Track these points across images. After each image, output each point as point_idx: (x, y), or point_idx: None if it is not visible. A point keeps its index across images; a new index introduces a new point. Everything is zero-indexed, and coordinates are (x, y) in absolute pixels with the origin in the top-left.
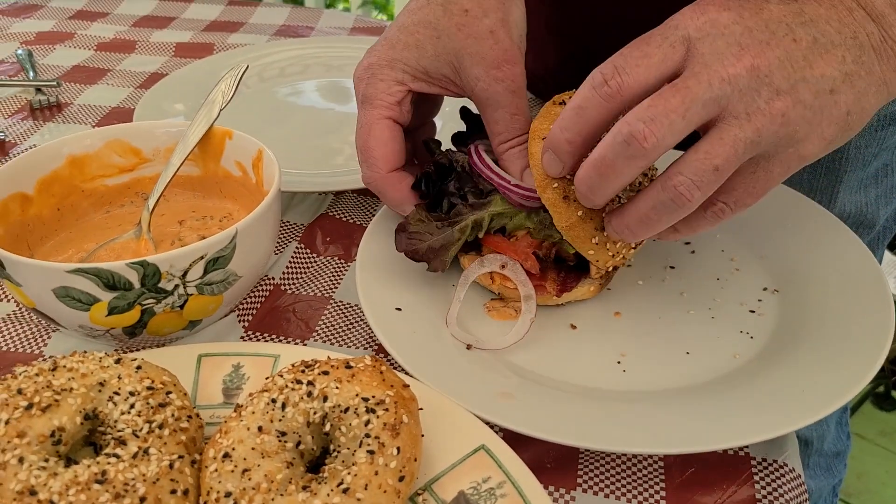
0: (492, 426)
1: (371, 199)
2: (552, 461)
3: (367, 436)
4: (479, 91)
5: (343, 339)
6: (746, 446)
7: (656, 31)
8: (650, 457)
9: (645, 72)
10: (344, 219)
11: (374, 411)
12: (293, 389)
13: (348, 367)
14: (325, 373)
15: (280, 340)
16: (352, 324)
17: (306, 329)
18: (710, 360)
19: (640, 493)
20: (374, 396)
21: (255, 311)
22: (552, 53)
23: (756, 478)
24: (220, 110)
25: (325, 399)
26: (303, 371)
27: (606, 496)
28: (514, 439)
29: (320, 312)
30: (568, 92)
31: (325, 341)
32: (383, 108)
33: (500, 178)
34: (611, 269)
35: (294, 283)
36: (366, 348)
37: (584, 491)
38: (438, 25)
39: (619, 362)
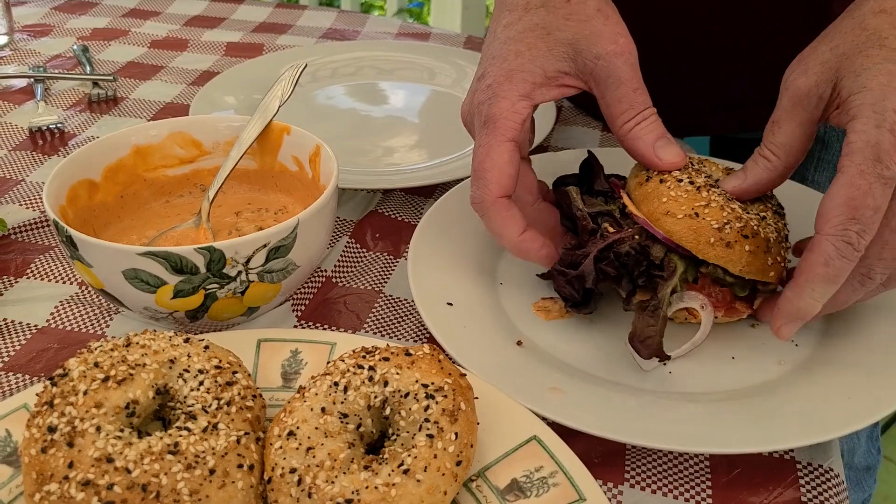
0: (542, 419)
1: (418, 198)
2: (600, 456)
3: (427, 420)
4: (599, 70)
5: (393, 332)
6: (792, 450)
7: (869, 170)
8: (696, 456)
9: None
10: (393, 216)
11: (433, 397)
12: (355, 374)
13: (408, 354)
14: (386, 359)
15: (333, 330)
16: (402, 317)
17: (358, 320)
18: (755, 365)
19: (687, 491)
20: (433, 383)
21: (308, 301)
22: None
23: (802, 481)
24: (280, 106)
25: (386, 384)
26: (364, 357)
27: (653, 492)
28: (562, 433)
29: (371, 305)
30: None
31: (376, 332)
32: (507, 129)
33: (670, 240)
34: (783, 278)
35: (345, 276)
36: (416, 341)
37: (632, 486)
38: (546, 24)
39: (665, 364)
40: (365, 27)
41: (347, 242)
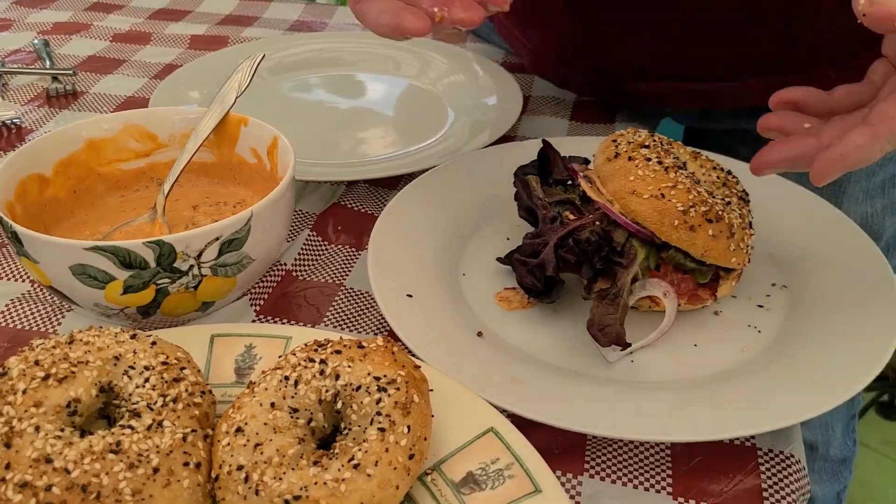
0: (501, 411)
1: (382, 190)
2: (560, 447)
3: (379, 414)
4: None
5: (354, 325)
6: (753, 437)
7: None
8: (657, 445)
9: None
10: (356, 208)
11: (385, 390)
12: (306, 367)
13: (360, 347)
14: (338, 352)
15: (292, 324)
16: (362, 310)
17: (317, 314)
18: (718, 352)
19: (647, 480)
20: (385, 376)
21: (266, 296)
22: (572, 32)
23: (762, 468)
24: (237, 97)
25: (338, 377)
26: (315, 350)
27: (613, 482)
28: (523, 425)
29: (331, 298)
30: (628, 131)
31: (335, 326)
32: None
33: (631, 224)
34: (746, 265)
35: (305, 270)
36: (376, 333)
37: (592, 476)
38: None
39: (629, 353)
40: (333, 18)
41: (309, 235)
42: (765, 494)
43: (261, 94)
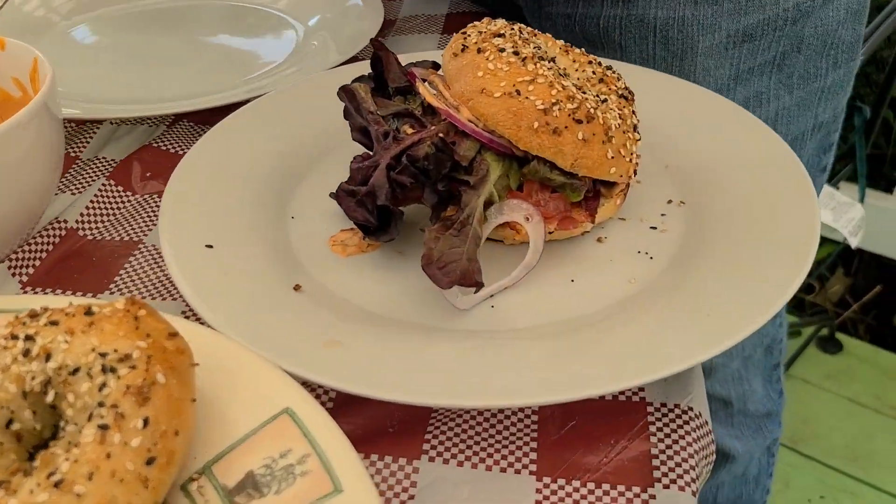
0: (318, 388)
1: (209, 128)
2: (397, 423)
3: (101, 405)
4: None
5: (150, 291)
6: (641, 389)
7: None
8: (521, 411)
9: None
10: (172, 150)
11: (113, 370)
12: (5, 348)
13: (88, 313)
14: (54, 323)
15: (68, 294)
16: (164, 272)
17: (103, 279)
18: (599, 288)
19: (505, 458)
20: (116, 350)
21: (37, 262)
22: None
23: (653, 428)
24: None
25: (49, 358)
26: (24, 323)
27: (460, 464)
28: (347, 401)
29: (125, 259)
30: (484, 21)
31: (124, 293)
32: None
33: (481, 133)
34: (632, 177)
35: (96, 227)
36: (174, 300)
37: (432, 459)
38: None
39: (481, 295)
40: None
41: (104, 185)
42: (655, 462)
43: (64, 38)
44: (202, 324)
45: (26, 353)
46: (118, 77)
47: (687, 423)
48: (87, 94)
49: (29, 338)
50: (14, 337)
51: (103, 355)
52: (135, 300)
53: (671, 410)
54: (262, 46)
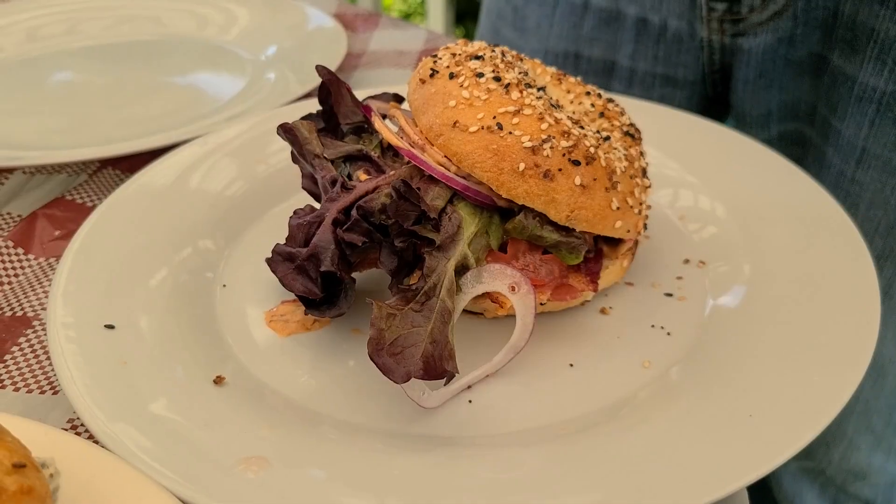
0: None
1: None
2: None
3: None
4: None
5: (41, 383)
6: None
7: None
8: None
9: None
10: (90, 203)
11: None
12: None
13: None
14: None
15: None
16: None
17: None
18: (605, 373)
19: None
20: None
21: None
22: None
23: None
24: None
25: None
26: None
27: None
28: None
29: (14, 341)
30: (460, 42)
31: (6, 386)
32: None
33: (454, 178)
34: (641, 233)
35: None
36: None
37: None
38: None
39: (452, 387)
40: None
41: (1, 247)
42: None
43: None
44: (89, 436)
45: None
46: (38, 121)
47: None
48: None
49: None
50: None
51: None
52: None
53: None
54: (209, 83)
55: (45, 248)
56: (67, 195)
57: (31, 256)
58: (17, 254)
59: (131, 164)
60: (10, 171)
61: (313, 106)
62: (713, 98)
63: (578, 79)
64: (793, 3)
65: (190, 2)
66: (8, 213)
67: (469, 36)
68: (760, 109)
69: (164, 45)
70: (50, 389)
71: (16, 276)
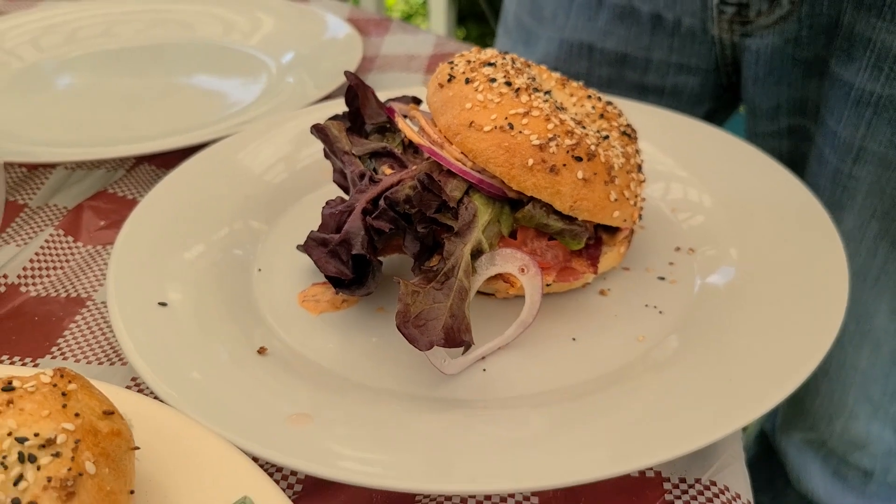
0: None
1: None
2: None
3: (17, 502)
4: None
5: (98, 355)
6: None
7: None
8: (519, 493)
9: None
10: (129, 196)
11: (33, 459)
12: None
13: (7, 388)
14: None
15: (3, 362)
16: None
17: (44, 342)
18: (604, 346)
19: None
20: (37, 434)
21: None
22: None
23: None
24: None
25: None
26: None
27: None
28: (317, 485)
29: (70, 319)
30: (473, 50)
31: (67, 358)
32: None
33: (469, 172)
34: (637, 222)
35: (41, 283)
36: (123, 366)
37: None
38: None
39: (472, 356)
40: None
41: (51, 235)
42: None
43: (19, 77)
44: (152, 396)
45: None
46: (77, 119)
47: (712, 500)
48: (42, 136)
49: None
50: None
51: (21, 441)
52: (65, 371)
53: (691, 486)
54: (232, 86)
55: (92, 237)
56: (109, 189)
57: (79, 244)
58: (67, 242)
59: (165, 160)
60: (53, 166)
61: (331, 107)
62: (727, 87)
63: (580, 83)
64: (798, 8)
65: (220, 7)
66: (54, 205)
67: (469, 37)
68: (770, 103)
69: (191, 48)
70: (106, 361)
71: (67, 261)
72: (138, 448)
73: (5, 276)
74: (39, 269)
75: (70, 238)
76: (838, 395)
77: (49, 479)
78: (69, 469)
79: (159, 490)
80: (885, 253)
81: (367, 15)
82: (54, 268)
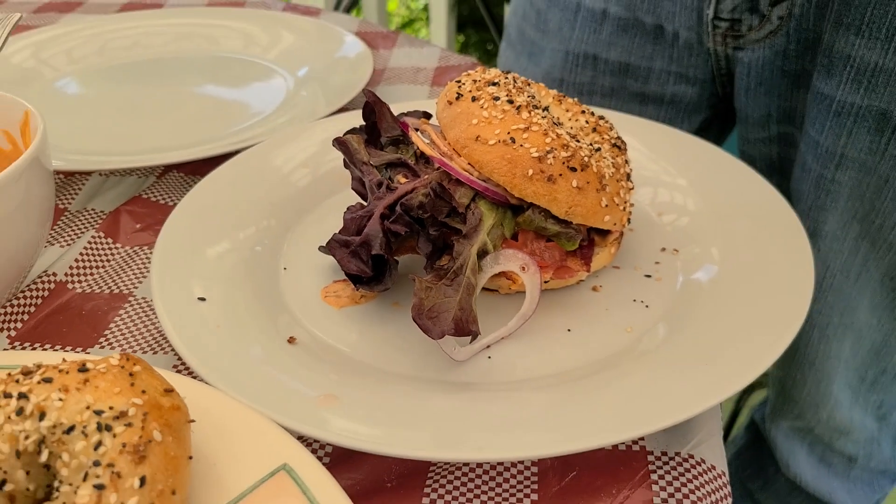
0: (313, 443)
1: (200, 180)
2: (394, 478)
3: (97, 464)
4: None
5: (140, 345)
6: (641, 438)
7: None
8: (521, 462)
9: None
10: (162, 201)
11: (109, 428)
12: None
13: (83, 370)
14: (48, 380)
15: (56, 350)
16: (155, 325)
17: (92, 333)
18: (596, 336)
19: None
20: (111, 408)
21: (26, 317)
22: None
23: (654, 476)
24: None
25: (43, 416)
26: (17, 381)
27: None
28: (343, 456)
29: (114, 313)
30: (478, 70)
31: (114, 348)
32: None
33: (476, 181)
34: (626, 225)
35: (85, 280)
36: (165, 354)
37: None
38: None
39: (479, 345)
40: None
41: (93, 237)
42: None
43: (51, 89)
44: (196, 379)
45: (20, 411)
46: (107, 128)
47: (689, 470)
48: (76, 145)
49: (22, 396)
50: (7, 395)
51: (98, 413)
52: (129, 356)
53: (672, 458)
54: (252, 97)
55: (130, 238)
56: (143, 194)
57: (118, 245)
58: (107, 243)
59: (191, 167)
60: (89, 173)
61: (348, 119)
62: (722, 97)
63: (575, 100)
64: (786, 24)
65: (243, 22)
66: (92, 209)
67: (468, 42)
68: (761, 112)
69: (214, 60)
70: (150, 350)
71: (108, 261)
72: (194, 421)
73: (54, 275)
74: (84, 267)
75: (110, 240)
76: (823, 384)
77: (124, 445)
78: (140, 437)
79: (207, 460)
80: (865, 252)
81: (375, 28)
82: (97, 266)
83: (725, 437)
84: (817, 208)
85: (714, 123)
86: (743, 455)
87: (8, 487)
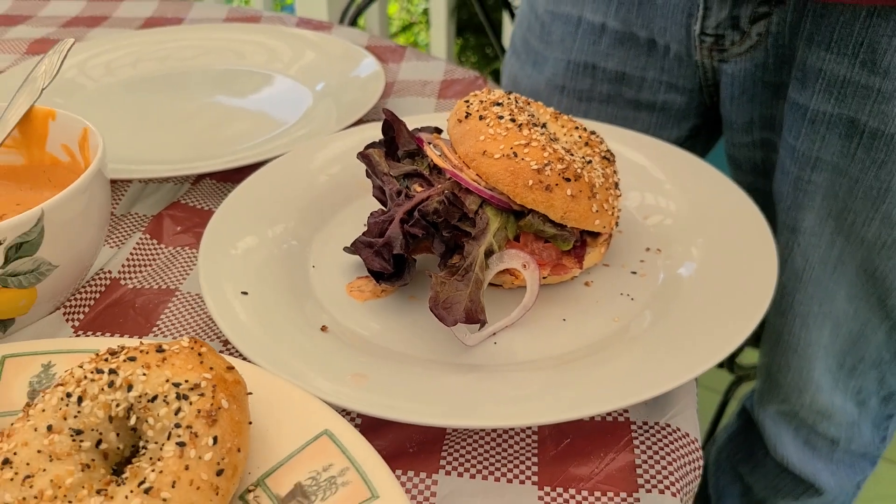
0: (346, 413)
1: (231, 186)
2: (415, 445)
3: (178, 426)
4: None
5: (187, 332)
6: (626, 410)
7: None
8: (522, 431)
9: None
10: (198, 206)
11: (186, 397)
12: (93, 380)
13: (160, 350)
14: (132, 359)
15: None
16: (199, 316)
17: (146, 324)
18: (588, 325)
19: (511, 471)
20: (186, 381)
21: (87, 309)
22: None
23: (636, 442)
24: (43, 89)
25: (130, 388)
26: (105, 360)
27: (472, 476)
28: (372, 426)
29: (164, 306)
30: (484, 90)
31: (166, 336)
32: None
33: (483, 190)
34: (614, 228)
35: (136, 277)
36: (211, 341)
37: (448, 473)
38: None
39: (485, 332)
40: (190, 13)
41: (140, 238)
42: (639, 471)
43: (96, 97)
44: (245, 360)
45: (111, 384)
46: (142, 137)
47: (667, 436)
48: (114, 154)
49: (112, 371)
50: (99, 371)
51: (176, 385)
52: (197, 340)
53: (651, 427)
54: (274, 108)
55: (172, 240)
56: (181, 200)
57: (162, 246)
58: (153, 244)
59: (223, 175)
60: (130, 181)
61: (366, 130)
62: (709, 105)
63: (569, 116)
64: (764, 41)
65: (267, 37)
66: (136, 213)
67: (467, 46)
68: (744, 119)
69: (238, 73)
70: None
71: (154, 259)
72: (251, 393)
73: (109, 272)
74: (134, 265)
75: (155, 241)
76: (806, 370)
77: (199, 411)
78: (211, 404)
79: (260, 428)
80: (841, 246)
81: (384, 43)
82: (145, 265)
83: (714, 426)
84: (796, 207)
85: (703, 130)
86: (734, 440)
87: (103, 446)
